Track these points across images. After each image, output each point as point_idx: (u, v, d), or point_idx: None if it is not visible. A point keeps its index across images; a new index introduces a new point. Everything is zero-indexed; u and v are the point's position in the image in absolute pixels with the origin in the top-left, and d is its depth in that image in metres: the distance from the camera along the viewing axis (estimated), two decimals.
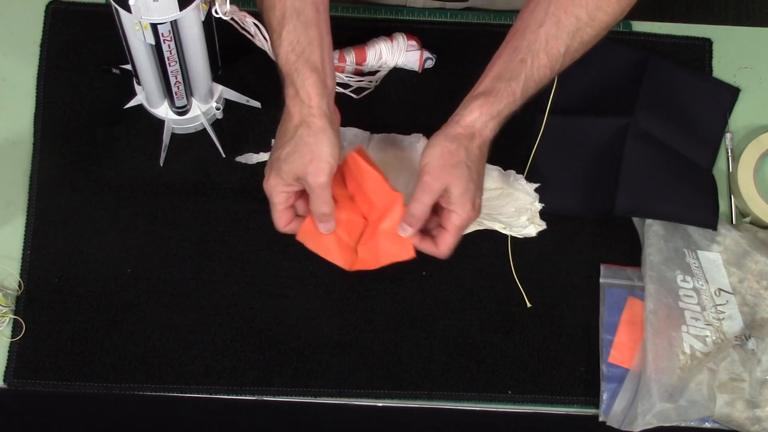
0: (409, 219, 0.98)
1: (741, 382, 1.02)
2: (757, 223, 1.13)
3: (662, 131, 1.13)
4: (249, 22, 1.06)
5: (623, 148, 1.10)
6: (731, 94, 1.17)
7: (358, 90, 1.14)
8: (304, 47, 0.95)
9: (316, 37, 0.96)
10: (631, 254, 1.11)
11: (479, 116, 0.96)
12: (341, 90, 1.13)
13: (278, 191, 0.97)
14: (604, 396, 1.06)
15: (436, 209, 0.99)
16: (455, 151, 0.95)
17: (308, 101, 0.94)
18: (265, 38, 1.04)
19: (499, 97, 0.96)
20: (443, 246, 0.99)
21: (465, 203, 0.96)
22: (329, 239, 1.02)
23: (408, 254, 1.01)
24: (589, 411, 1.08)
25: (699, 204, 1.10)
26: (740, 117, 1.17)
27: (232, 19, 0.96)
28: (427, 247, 1.00)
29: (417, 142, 1.11)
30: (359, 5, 1.20)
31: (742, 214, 1.14)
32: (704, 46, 1.19)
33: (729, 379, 1.02)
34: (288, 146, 0.95)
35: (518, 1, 1.22)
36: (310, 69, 0.94)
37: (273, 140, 1.13)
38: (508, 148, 1.14)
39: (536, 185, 1.11)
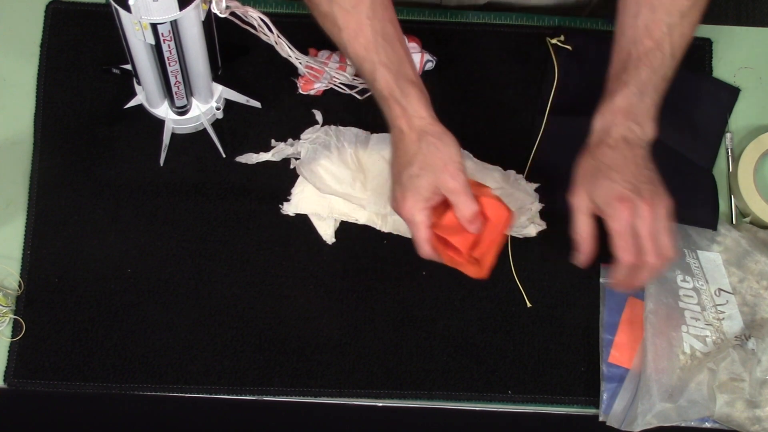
0: (577, 240, 0.95)
1: (741, 382, 1.02)
2: (757, 223, 1.13)
3: (662, 131, 1.13)
4: (253, 16, 1.05)
5: None
6: (731, 94, 1.17)
7: (362, 91, 1.14)
8: (398, 65, 0.95)
9: (403, 53, 0.96)
10: None
11: (602, 121, 0.96)
12: (347, 91, 1.13)
13: (419, 209, 0.94)
14: (604, 396, 1.06)
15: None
16: (586, 163, 0.95)
17: (419, 113, 0.94)
18: (271, 31, 1.03)
19: (614, 93, 0.96)
20: (620, 252, 0.92)
21: (610, 202, 0.92)
22: (453, 257, 1.00)
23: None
24: (589, 411, 1.08)
25: (699, 204, 1.10)
26: (740, 117, 1.17)
27: (232, 14, 0.96)
28: (620, 270, 0.93)
29: None
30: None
31: (742, 214, 1.14)
32: (704, 46, 1.19)
33: (729, 379, 1.02)
34: (415, 162, 0.93)
35: None
36: (411, 84, 0.94)
37: (273, 141, 1.13)
38: (508, 148, 1.14)
39: (536, 185, 1.11)
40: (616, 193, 0.91)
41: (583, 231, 0.94)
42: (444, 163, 0.93)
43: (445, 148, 0.93)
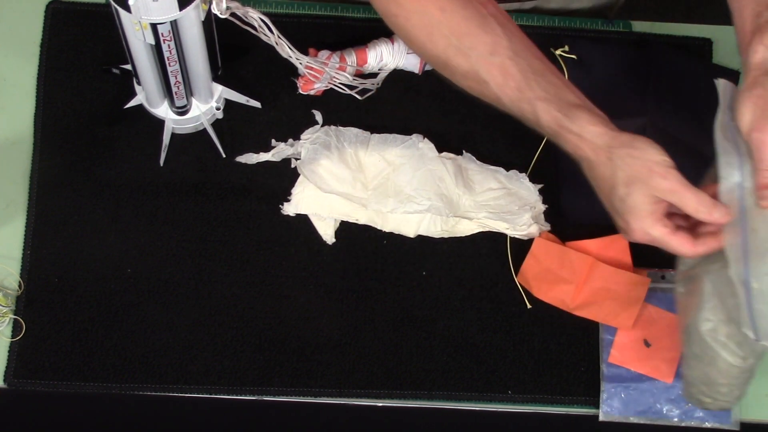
0: (765, 191, 0.83)
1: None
2: None
3: (674, 126, 1.13)
4: (253, 16, 1.05)
5: None
6: (732, 78, 1.17)
7: (362, 91, 1.14)
8: (557, 95, 0.87)
9: (559, 82, 0.89)
10: (632, 253, 1.11)
11: (765, 50, 0.85)
12: (347, 91, 1.13)
13: (650, 226, 0.84)
14: (604, 396, 1.06)
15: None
16: (764, 94, 0.83)
17: (596, 131, 0.85)
18: (271, 31, 1.03)
19: None
20: None
21: None
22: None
23: (626, 325, 1.05)
24: (589, 411, 1.08)
25: None
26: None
27: (232, 14, 0.96)
28: None
29: (419, 141, 1.11)
30: None
31: None
32: (704, 46, 1.19)
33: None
34: (618, 182, 0.84)
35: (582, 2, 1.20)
36: (577, 107, 0.87)
37: (273, 141, 1.13)
38: (509, 149, 1.14)
39: (540, 186, 1.11)
40: None
41: None
42: (648, 168, 0.83)
43: (642, 153, 0.84)
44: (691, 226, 0.87)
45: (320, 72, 1.11)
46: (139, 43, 0.94)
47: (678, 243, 0.84)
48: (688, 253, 0.85)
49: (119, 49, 0.99)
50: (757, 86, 0.84)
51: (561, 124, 0.86)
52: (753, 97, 0.84)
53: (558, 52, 1.16)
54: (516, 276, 1.10)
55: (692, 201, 0.83)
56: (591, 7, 1.25)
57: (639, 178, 0.83)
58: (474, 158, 1.12)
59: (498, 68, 0.88)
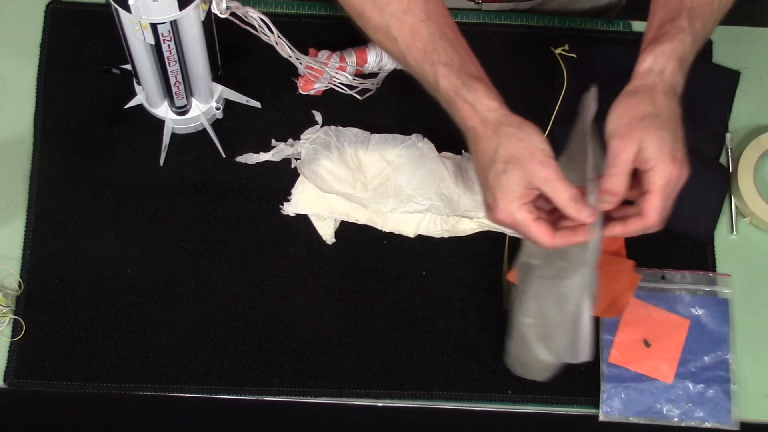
0: (605, 196, 0.85)
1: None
2: (757, 224, 1.13)
3: None
4: (253, 16, 1.05)
5: None
6: (732, 78, 1.17)
7: (362, 91, 1.14)
8: (460, 65, 0.89)
9: (465, 54, 0.91)
10: (631, 254, 1.11)
11: (653, 61, 0.87)
12: (347, 91, 1.13)
13: (516, 207, 0.85)
14: (604, 396, 1.06)
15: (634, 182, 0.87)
16: (638, 104, 0.85)
17: (490, 106, 0.87)
18: (271, 31, 1.03)
19: (668, 36, 0.88)
20: (650, 211, 0.84)
21: (662, 158, 0.83)
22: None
23: (631, 276, 1.03)
24: (589, 411, 1.08)
25: (701, 218, 1.11)
26: (740, 117, 1.17)
27: (232, 14, 0.96)
28: (634, 226, 0.86)
29: (419, 141, 1.11)
30: None
31: (742, 214, 1.14)
32: (704, 45, 1.19)
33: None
34: (498, 158, 0.85)
35: (588, 2, 1.21)
36: (477, 80, 0.88)
37: (273, 140, 1.13)
38: None
39: None
40: (672, 150, 0.84)
41: (621, 186, 0.84)
42: (530, 152, 0.84)
43: (528, 137, 0.85)
44: (553, 219, 0.89)
45: (320, 72, 1.11)
46: (139, 43, 0.94)
47: (537, 231, 0.85)
48: (545, 243, 0.86)
49: (119, 49, 0.99)
50: (633, 95, 0.86)
51: (458, 92, 0.88)
52: (625, 104, 0.86)
53: (558, 51, 1.16)
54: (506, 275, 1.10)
55: (564, 195, 0.84)
56: (590, 8, 1.24)
57: (519, 160, 0.84)
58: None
59: (409, 27, 0.90)
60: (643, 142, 0.84)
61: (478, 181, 0.90)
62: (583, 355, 0.89)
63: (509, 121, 0.86)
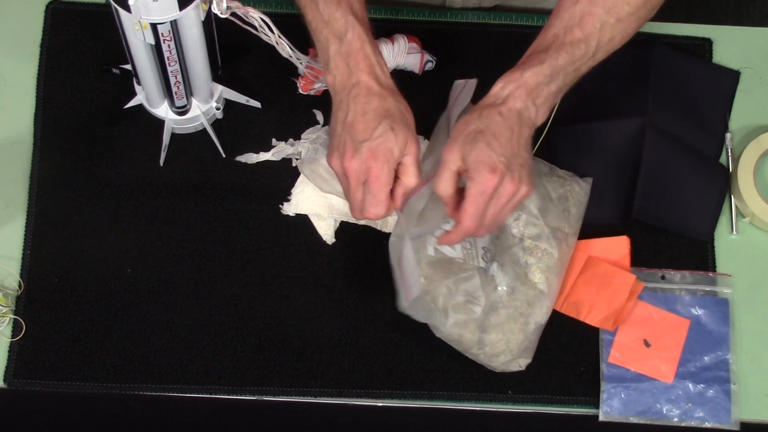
0: (441, 198, 0.94)
1: (476, 306, 1.02)
2: (757, 223, 1.13)
3: (674, 125, 1.13)
4: (254, 16, 1.05)
5: (641, 150, 1.10)
6: (732, 77, 1.17)
7: None
8: (367, 19, 0.96)
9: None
10: (632, 254, 1.11)
11: (502, 87, 0.93)
12: None
13: (386, 162, 0.92)
14: (604, 396, 1.06)
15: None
16: (471, 120, 0.92)
17: (386, 72, 0.95)
18: (272, 31, 1.03)
19: (525, 65, 0.94)
20: (463, 216, 0.92)
21: (480, 168, 0.90)
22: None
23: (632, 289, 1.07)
24: (589, 411, 1.08)
25: (700, 217, 1.11)
26: (740, 117, 1.17)
27: (233, 14, 0.96)
28: (455, 234, 0.94)
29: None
30: (395, 5, 1.20)
31: (742, 214, 1.14)
32: (704, 46, 1.19)
33: (465, 301, 1.01)
34: (389, 115, 0.93)
35: (550, 1, 1.22)
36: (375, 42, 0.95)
37: (273, 140, 1.13)
38: None
39: None
40: (491, 162, 0.90)
41: (446, 188, 0.93)
42: (412, 126, 0.94)
43: (405, 105, 0.95)
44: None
45: (320, 72, 1.11)
46: (139, 43, 0.94)
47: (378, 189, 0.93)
48: (370, 202, 0.93)
49: (119, 49, 0.99)
50: (473, 112, 0.93)
51: (363, 45, 0.94)
52: (463, 119, 0.93)
53: None
54: None
55: (411, 180, 0.93)
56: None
57: (408, 126, 0.94)
58: None
59: None
60: (465, 152, 0.91)
61: (335, 128, 0.96)
62: (410, 292, 0.97)
63: (397, 93, 0.96)
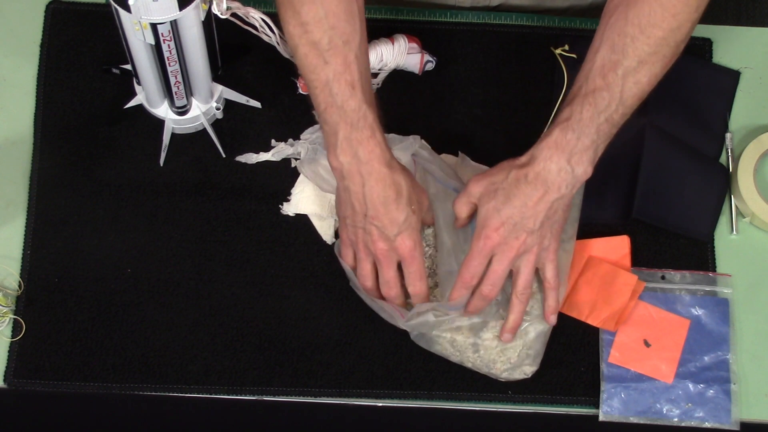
0: (455, 213, 1.02)
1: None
2: (757, 224, 1.13)
3: (674, 125, 1.13)
4: (255, 17, 1.05)
5: (641, 150, 1.10)
6: (732, 77, 1.17)
7: None
8: (374, 102, 0.97)
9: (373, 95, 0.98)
10: (632, 253, 1.11)
11: (533, 148, 0.95)
12: None
13: (411, 234, 0.99)
14: (604, 396, 1.06)
15: None
16: (495, 173, 0.97)
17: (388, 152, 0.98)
18: (272, 31, 1.03)
19: (554, 123, 0.95)
20: (462, 268, 0.98)
21: (487, 223, 0.95)
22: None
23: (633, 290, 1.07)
24: (589, 411, 1.08)
25: (701, 217, 1.11)
26: (740, 117, 1.17)
27: (233, 14, 0.96)
28: (455, 289, 1.01)
29: (416, 144, 1.11)
30: (413, 6, 1.20)
31: (742, 214, 1.14)
32: (704, 46, 1.19)
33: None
34: (408, 193, 0.98)
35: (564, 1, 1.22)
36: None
37: (273, 140, 1.13)
38: (507, 150, 1.14)
39: None
40: (496, 222, 0.95)
41: (462, 211, 1.00)
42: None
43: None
44: None
45: None
46: (139, 43, 0.94)
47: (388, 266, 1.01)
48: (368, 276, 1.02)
49: (119, 49, 0.99)
50: (503, 170, 0.97)
51: (374, 128, 0.96)
52: (492, 170, 0.98)
53: (558, 51, 1.16)
54: None
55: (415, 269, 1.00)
56: (568, 7, 1.24)
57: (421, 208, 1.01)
58: (469, 159, 1.11)
59: (343, 58, 0.94)
60: (483, 204, 0.96)
61: (341, 207, 1.01)
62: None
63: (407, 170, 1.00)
